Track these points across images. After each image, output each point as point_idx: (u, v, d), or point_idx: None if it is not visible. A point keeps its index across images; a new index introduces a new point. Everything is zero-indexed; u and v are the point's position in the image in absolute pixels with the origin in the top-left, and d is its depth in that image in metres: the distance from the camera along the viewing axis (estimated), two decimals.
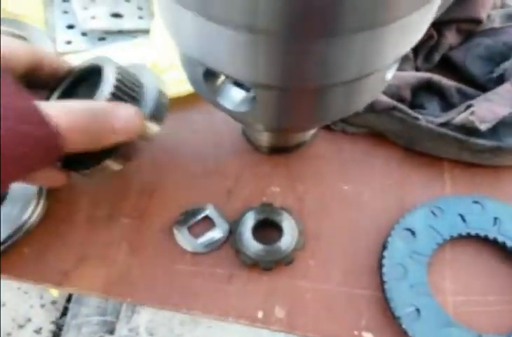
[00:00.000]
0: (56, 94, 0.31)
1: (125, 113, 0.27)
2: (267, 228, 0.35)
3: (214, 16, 0.17)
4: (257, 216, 0.35)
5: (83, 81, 0.31)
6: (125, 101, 0.29)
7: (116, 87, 0.28)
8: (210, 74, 0.25)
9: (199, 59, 0.22)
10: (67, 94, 0.31)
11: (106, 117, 0.26)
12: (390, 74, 0.26)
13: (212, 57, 0.21)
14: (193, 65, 0.25)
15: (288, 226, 0.34)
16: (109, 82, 0.28)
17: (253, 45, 0.19)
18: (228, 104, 0.26)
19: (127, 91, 0.29)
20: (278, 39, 0.18)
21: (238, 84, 0.27)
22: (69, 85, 0.31)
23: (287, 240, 0.33)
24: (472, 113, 0.35)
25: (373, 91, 0.27)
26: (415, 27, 0.20)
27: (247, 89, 0.27)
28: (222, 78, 0.27)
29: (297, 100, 0.25)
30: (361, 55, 0.20)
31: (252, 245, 0.33)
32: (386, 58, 0.21)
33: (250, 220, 0.34)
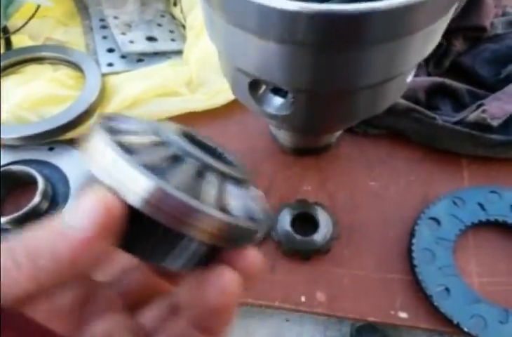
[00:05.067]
0: None
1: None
2: (303, 222, 0.38)
3: (266, 35, 0.22)
4: (293, 211, 0.38)
5: None
6: None
7: None
8: (254, 84, 0.29)
9: (249, 71, 0.26)
10: None
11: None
12: (410, 77, 0.30)
13: (261, 68, 0.25)
14: (240, 77, 0.29)
15: (323, 218, 0.38)
16: None
17: (295, 55, 0.23)
18: (270, 109, 0.30)
19: None
20: (315, 50, 0.22)
21: (276, 92, 0.31)
22: None
23: (323, 231, 0.37)
24: (484, 111, 0.39)
25: (396, 93, 0.31)
26: (434, 35, 0.24)
27: (283, 96, 0.31)
28: (263, 87, 0.31)
29: (329, 102, 0.29)
30: (387, 61, 0.24)
31: (292, 237, 0.37)
32: (409, 63, 0.25)
33: (287, 215, 0.38)
